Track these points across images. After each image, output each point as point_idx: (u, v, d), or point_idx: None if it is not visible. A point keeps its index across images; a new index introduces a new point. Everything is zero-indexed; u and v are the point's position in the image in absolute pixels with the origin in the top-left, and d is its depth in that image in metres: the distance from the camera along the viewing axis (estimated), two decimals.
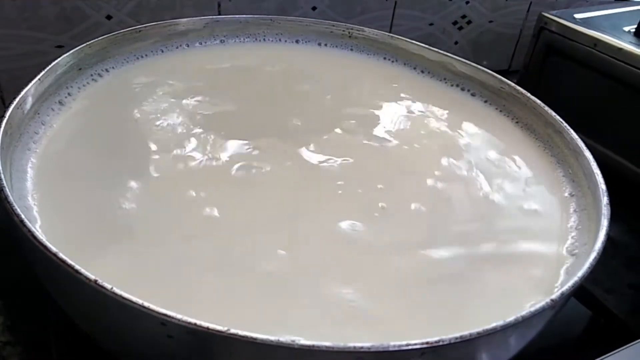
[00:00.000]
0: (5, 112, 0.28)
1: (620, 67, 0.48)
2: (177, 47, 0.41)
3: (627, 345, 0.31)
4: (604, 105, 0.51)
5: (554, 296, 0.23)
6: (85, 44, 0.35)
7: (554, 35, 0.54)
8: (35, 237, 0.21)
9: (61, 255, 0.20)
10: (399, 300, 0.26)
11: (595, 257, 0.25)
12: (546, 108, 0.37)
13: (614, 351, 0.31)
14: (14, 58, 0.44)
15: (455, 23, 0.62)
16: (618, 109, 0.50)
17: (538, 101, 0.38)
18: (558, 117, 0.36)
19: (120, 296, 0.19)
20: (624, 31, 0.51)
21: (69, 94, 0.34)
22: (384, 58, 0.44)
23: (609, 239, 0.27)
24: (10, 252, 0.33)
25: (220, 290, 0.25)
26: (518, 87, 0.39)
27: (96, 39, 0.36)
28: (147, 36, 0.39)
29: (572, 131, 0.35)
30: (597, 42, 0.50)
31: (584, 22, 0.53)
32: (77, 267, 0.20)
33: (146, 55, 0.39)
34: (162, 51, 0.40)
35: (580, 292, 0.37)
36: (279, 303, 0.25)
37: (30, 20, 0.43)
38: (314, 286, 0.26)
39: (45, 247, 0.20)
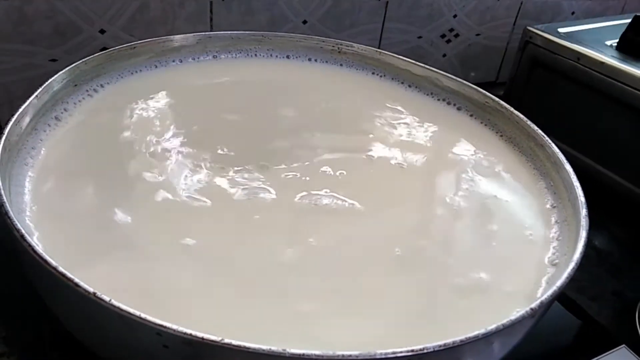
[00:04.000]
0: (4, 129, 0.28)
1: (603, 81, 0.49)
2: (170, 63, 0.41)
3: (611, 351, 0.32)
4: (587, 116, 0.52)
5: (533, 305, 0.24)
6: (81, 61, 0.36)
7: (539, 49, 0.55)
8: (35, 251, 0.21)
9: (61, 269, 0.21)
10: (382, 309, 0.27)
11: (573, 268, 0.26)
12: (528, 122, 0.38)
13: (598, 357, 0.32)
14: (8, 72, 0.45)
15: (443, 36, 0.64)
16: (601, 120, 0.51)
17: (521, 115, 0.39)
18: (540, 131, 0.37)
19: (119, 308, 0.20)
20: (606, 45, 0.53)
21: (65, 109, 0.35)
22: (373, 73, 0.45)
23: (593, 247, 0.28)
24: (5, 263, 0.34)
25: (214, 300, 0.25)
26: (502, 102, 0.40)
27: (92, 56, 0.36)
28: (141, 52, 0.39)
29: (553, 145, 0.36)
30: (580, 55, 0.51)
31: (568, 36, 0.54)
32: (77, 280, 0.20)
33: (140, 70, 0.40)
34: (156, 66, 0.41)
35: (565, 299, 0.38)
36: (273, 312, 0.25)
37: (24, 34, 0.44)
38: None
39: (45, 260, 0.21)
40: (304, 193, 0.33)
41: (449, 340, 0.21)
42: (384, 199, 0.34)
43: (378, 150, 0.38)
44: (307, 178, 0.34)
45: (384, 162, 0.37)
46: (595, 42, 0.53)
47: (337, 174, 0.35)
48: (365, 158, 0.37)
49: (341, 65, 0.45)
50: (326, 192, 0.33)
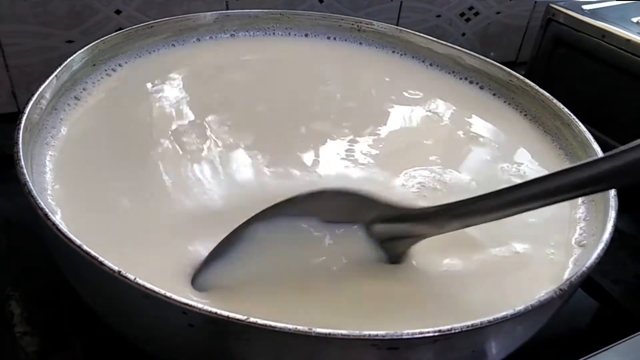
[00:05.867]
0: (24, 108, 0.28)
1: (628, 59, 0.48)
2: (188, 42, 0.41)
3: (633, 335, 0.32)
4: (611, 96, 0.51)
5: (562, 285, 0.23)
6: (99, 40, 0.35)
7: (562, 27, 0.54)
8: (59, 230, 0.21)
9: (85, 247, 0.21)
10: (408, 287, 0.26)
11: (603, 248, 0.25)
12: (554, 101, 0.37)
13: (620, 341, 0.31)
14: (24, 54, 0.45)
15: (462, 15, 0.62)
16: (626, 100, 0.50)
17: (546, 94, 0.38)
18: (566, 110, 0.36)
19: (144, 286, 0.20)
20: (632, 22, 0.51)
21: (84, 89, 0.34)
22: (393, 51, 0.44)
23: (616, 229, 0.27)
24: (26, 243, 0.34)
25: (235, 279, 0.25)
26: (527, 80, 0.39)
27: (109, 35, 0.36)
28: (159, 31, 0.39)
29: (580, 123, 0.35)
30: (605, 33, 0.50)
31: (592, 13, 0.53)
32: (101, 258, 0.20)
33: (158, 49, 0.39)
34: (174, 45, 0.40)
35: (587, 283, 0.38)
36: None
37: (40, 16, 0.44)
38: None
39: (69, 239, 0.21)
40: (324, 164, 0.33)
41: (476, 320, 0.21)
42: (405, 176, 0.33)
43: (398, 128, 0.38)
44: (323, 148, 0.34)
45: (403, 141, 0.37)
46: (620, 19, 0.51)
47: (355, 153, 0.34)
48: (384, 136, 0.37)
49: (360, 43, 0.45)
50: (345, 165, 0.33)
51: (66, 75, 0.33)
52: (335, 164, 0.34)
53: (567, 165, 0.35)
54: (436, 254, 0.28)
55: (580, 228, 0.30)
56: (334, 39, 0.44)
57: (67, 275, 0.26)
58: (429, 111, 0.40)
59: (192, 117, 0.35)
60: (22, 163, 0.24)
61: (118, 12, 0.46)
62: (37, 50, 0.45)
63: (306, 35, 0.44)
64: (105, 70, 0.36)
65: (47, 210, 0.22)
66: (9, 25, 0.43)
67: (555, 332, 0.33)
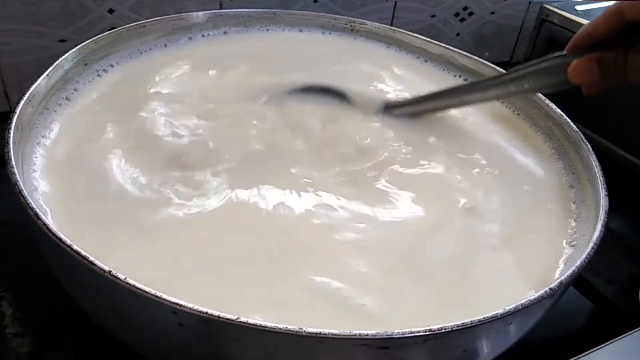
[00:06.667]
0: (15, 108, 0.28)
1: None
2: (181, 40, 0.41)
3: (627, 334, 0.32)
4: (604, 97, 0.51)
5: (552, 285, 0.23)
6: (90, 40, 0.35)
7: (555, 27, 0.54)
8: (50, 230, 0.21)
9: (75, 247, 0.21)
10: (403, 283, 0.27)
11: (593, 248, 0.26)
12: (547, 101, 0.37)
13: (614, 339, 0.31)
14: (17, 53, 0.45)
15: (457, 15, 0.63)
16: (618, 101, 0.50)
17: (539, 94, 0.38)
18: (558, 110, 0.36)
19: (134, 286, 0.20)
20: None
21: (75, 89, 0.34)
22: (387, 47, 0.45)
23: (609, 230, 0.27)
24: (17, 244, 0.34)
25: (226, 278, 0.25)
26: None
27: (102, 35, 0.36)
28: (151, 31, 0.39)
29: (572, 124, 0.35)
30: None
31: (585, 13, 0.53)
32: (92, 258, 0.20)
33: (150, 49, 0.39)
34: (166, 45, 0.40)
35: (580, 283, 0.38)
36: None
37: (33, 15, 0.44)
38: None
39: (60, 239, 0.21)
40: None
41: (467, 320, 0.21)
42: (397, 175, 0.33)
43: (390, 123, 0.38)
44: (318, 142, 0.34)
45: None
46: None
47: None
48: (378, 129, 0.37)
49: (355, 38, 0.45)
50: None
51: (58, 75, 0.33)
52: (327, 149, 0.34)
53: (560, 164, 0.36)
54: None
55: (571, 228, 0.30)
56: (329, 33, 0.44)
57: (58, 276, 0.26)
58: None
59: (187, 114, 0.35)
60: (13, 163, 0.24)
61: (111, 11, 0.46)
62: (29, 49, 0.45)
63: (300, 30, 0.44)
64: (97, 70, 0.36)
65: (37, 210, 0.22)
66: (2, 24, 0.43)
67: (550, 331, 0.33)
